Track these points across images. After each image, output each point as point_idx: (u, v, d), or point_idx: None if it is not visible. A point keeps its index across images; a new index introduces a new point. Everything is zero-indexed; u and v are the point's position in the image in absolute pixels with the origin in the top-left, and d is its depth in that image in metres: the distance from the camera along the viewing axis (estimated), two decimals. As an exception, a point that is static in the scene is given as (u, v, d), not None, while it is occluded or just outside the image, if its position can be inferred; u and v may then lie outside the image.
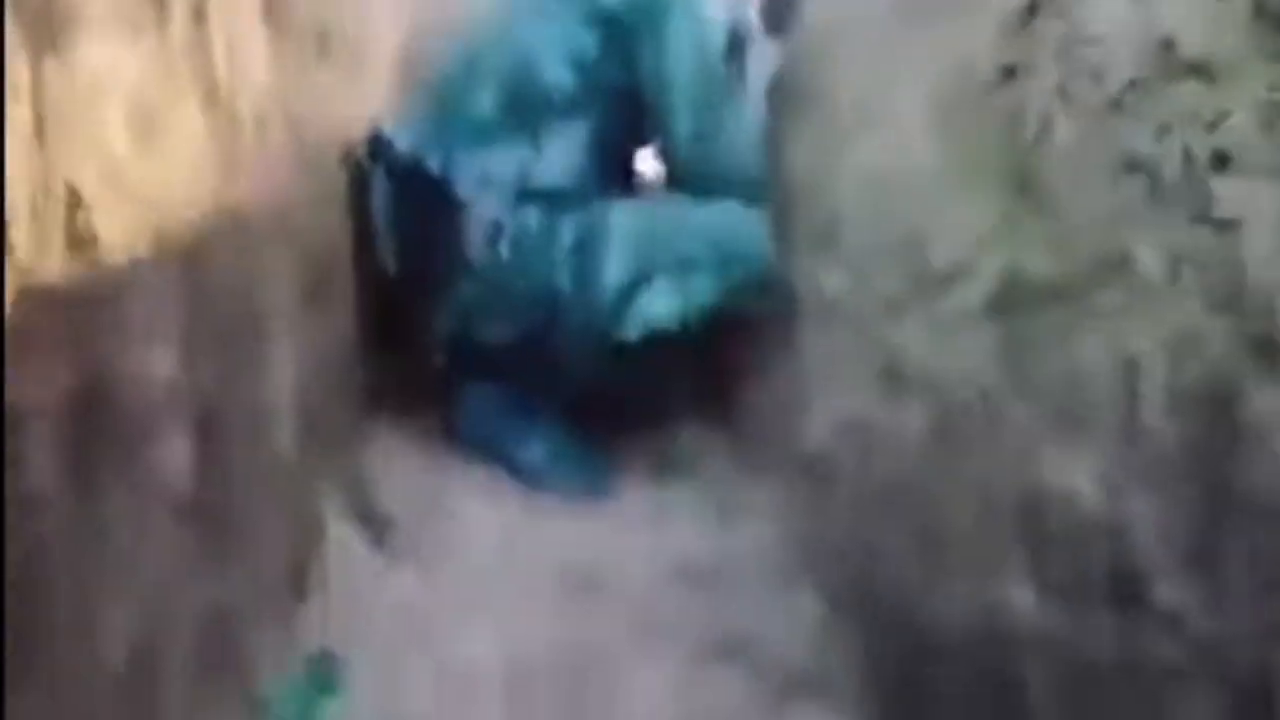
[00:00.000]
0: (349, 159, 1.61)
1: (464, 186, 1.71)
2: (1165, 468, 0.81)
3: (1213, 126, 0.87)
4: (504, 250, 1.72)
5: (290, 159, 1.20)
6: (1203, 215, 0.84)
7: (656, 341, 1.72)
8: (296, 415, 1.28)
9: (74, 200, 0.72)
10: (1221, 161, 0.85)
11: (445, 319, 1.82)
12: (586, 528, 1.64)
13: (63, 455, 0.75)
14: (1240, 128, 0.84)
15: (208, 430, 1.00)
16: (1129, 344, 0.89)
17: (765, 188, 1.81)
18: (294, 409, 1.28)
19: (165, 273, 0.87)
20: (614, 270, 1.71)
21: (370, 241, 1.68)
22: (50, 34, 0.67)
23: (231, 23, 0.99)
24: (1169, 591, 0.80)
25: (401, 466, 1.64)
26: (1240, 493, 0.73)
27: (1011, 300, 1.09)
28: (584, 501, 1.73)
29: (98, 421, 0.80)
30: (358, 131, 1.50)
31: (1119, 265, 0.93)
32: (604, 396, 1.78)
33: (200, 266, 0.95)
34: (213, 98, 0.97)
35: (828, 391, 1.52)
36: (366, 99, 1.55)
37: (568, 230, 1.71)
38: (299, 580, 1.32)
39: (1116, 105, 1.00)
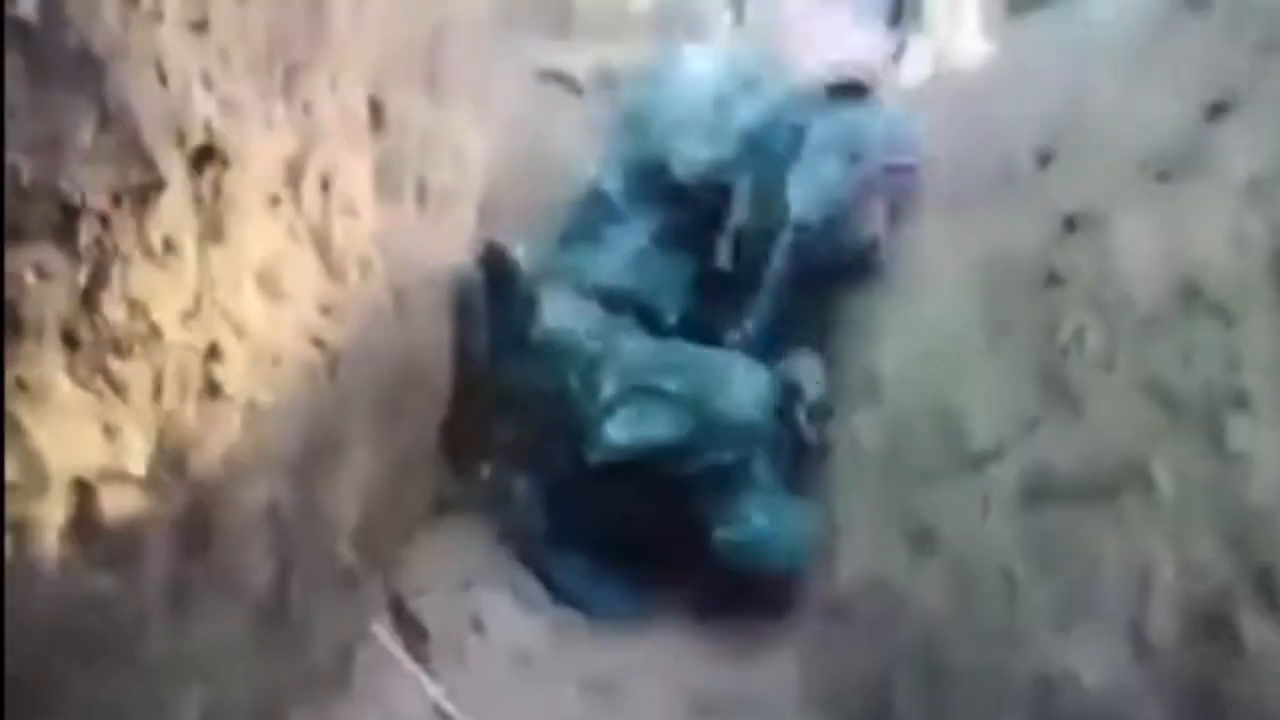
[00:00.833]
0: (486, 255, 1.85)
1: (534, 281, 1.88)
2: (1169, 676, 0.86)
3: (1231, 365, 0.95)
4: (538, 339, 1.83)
5: (383, 296, 1.32)
6: (1216, 447, 0.92)
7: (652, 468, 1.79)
8: (358, 525, 1.38)
9: (212, 355, 0.83)
10: (1239, 400, 0.92)
11: (499, 422, 1.94)
12: (610, 651, 1.69)
13: (165, 570, 0.85)
14: (1255, 370, 0.92)
15: (284, 540, 1.09)
16: (1144, 553, 0.95)
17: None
18: (357, 519, 1.37)
19: (273, 411, 0.98)
20: (607, 388, 1.78)
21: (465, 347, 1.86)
22: (215, 223, 0.79)
23: (348, 187, 1.12)
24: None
25: (442, 580, 1.72)
26: (1236, 713, 0.79)
27: (1039, 491, 1.15)
28: (615, 624, 1.77)
29: (197, 540, 0.90)
30: (444, 266, 1.63)
31: (1138, 479, 1.00)
32: (639, 524, 1.82)
33: (299, 399, 1.06)
34: (326, 252, 1.09)
35: (856, 544, 1.58)
36: (454, 238, 1.69)
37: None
38: (343, 673, 1.40)
39: (1144, 328, 1.09)
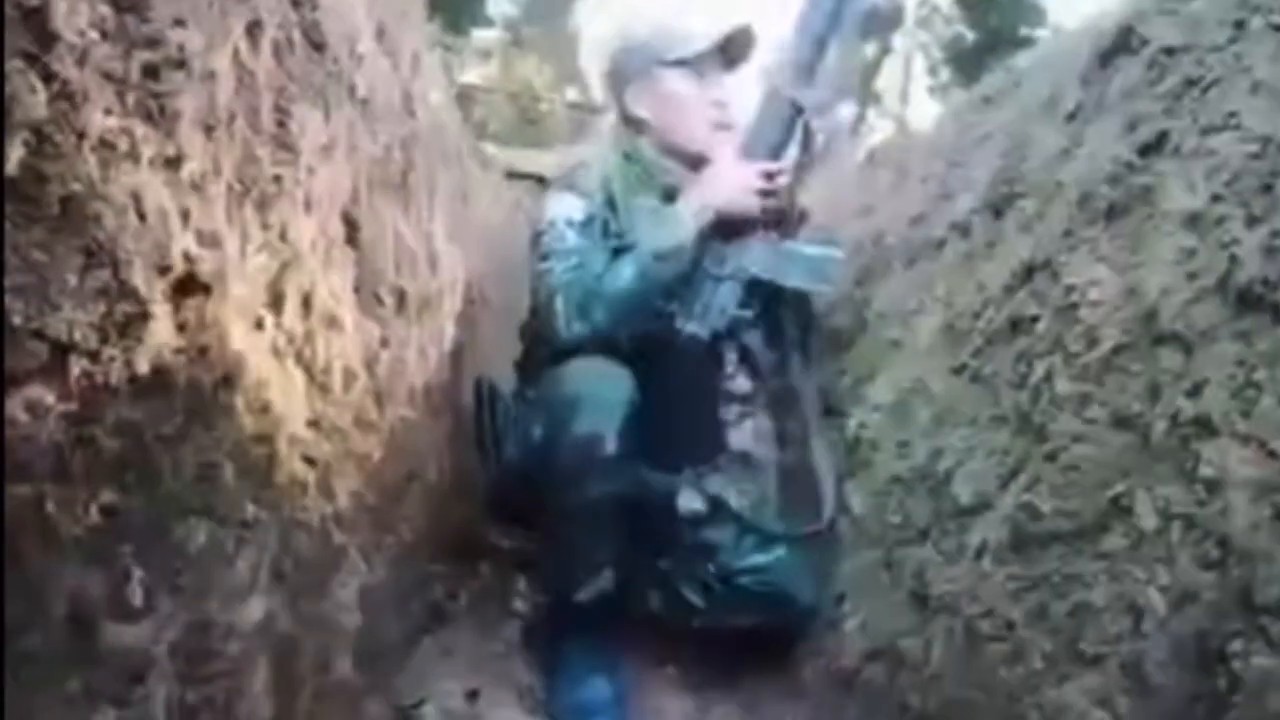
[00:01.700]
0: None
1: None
2: (1169, 713, 0.87)
3: (1194, 393, 0.98)
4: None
5: (369, 406, 1.34)
6: (1189, 475, 0.94)
7: None
8: (356, 635, 1.37)
9: (203, 479, 0.85)
10: (1206, 426, 0.95)
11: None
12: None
13: (171, 694, 0.85)
14: (1217, 395, 0.95)
15: (283, 657, 1.09)
16: (1133, 589, 0.97)
17: None
18: (354, 628, 1.37)
19: (267, 530, 0.99)
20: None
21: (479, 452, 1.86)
22: (201, 350, 0.82)
23: (329, 302, 1.16)
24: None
25: (447, 687, 1.70)
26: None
27: (1027, 538, 1.17)
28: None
29: (198, 663, 0.90)
30: (429, 373, 1.66)
31: (1120, 515, 1.02)
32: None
33: (292, 517, 1.08)
34: (311, 368, 1.12)
35: (858, 610, 1.58)
36: (436, 345, 1.73)
37: None
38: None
39: (1110, 364, 1.12)
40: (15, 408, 0.62)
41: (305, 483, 1.12)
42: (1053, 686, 1.04)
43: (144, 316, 0.71)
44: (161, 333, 0.73)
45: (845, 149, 2.20)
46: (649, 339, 1.78)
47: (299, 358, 1.08)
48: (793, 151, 1.83)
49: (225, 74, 0.81)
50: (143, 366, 0.72)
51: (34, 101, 0.60)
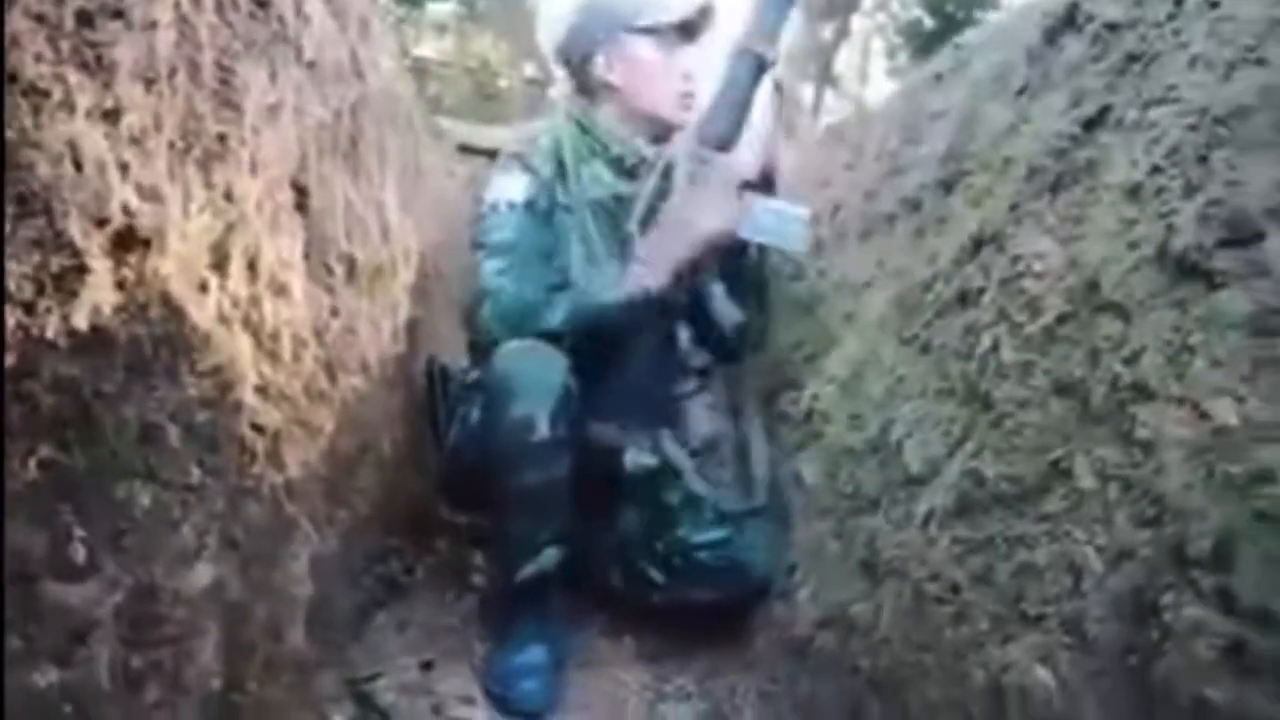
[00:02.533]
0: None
1: None
2: (1105, 666, 0.89)
3: (1132, 359, 1.00)
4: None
5: (320, 375, 1.33)
6: (1126, 438, 0.96)
7: None
8: (308, 605, 1.36)
9: (145, 439, 0.84)
10: (1143, 391, 0.97)
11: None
12: (578, 716, 1.68)
13: (116, 657, 0.84)
14: (1154, 361, 0.97)
15: (233, 625, 1.08)
16: (1072, 549, 0.99)
17: None
18: (308, 600, 1.36)
19: (214, 495, 0.98)
20: None
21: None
22: (141, 307, 0.80)
23: (277, 268, 1.14)
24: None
25: (402, 661, 1.69)
26: (1167, 693, 0.81)
27: (972, 503, 1.19)
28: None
29: (144, 627, 0.89)
30: (378, 344, 1.65)
31: (1060, 478, 1.04)
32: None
33: (240, 485, 1.07)
34: (259, 334, 1.10)
35: (810, 579, 1.60)
36: (389, 316, 1.71)
37: None
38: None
39: (1053, 333, 1.14)
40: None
41: (254, 450, 1.10)
42: (997, 645, 1.06)
43: (81, 269, 0.69)
44: (100, 287, 0.72)
45: (804, 124, 2.21)
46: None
47: (246, 322, 1.07)
48: (760, 112, 1.83)
49: (165, 25, 0.79)
50: (81, 321, 0.70)
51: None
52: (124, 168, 0.75)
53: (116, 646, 0.83)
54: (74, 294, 0.70)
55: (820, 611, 1.56)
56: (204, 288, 0.97)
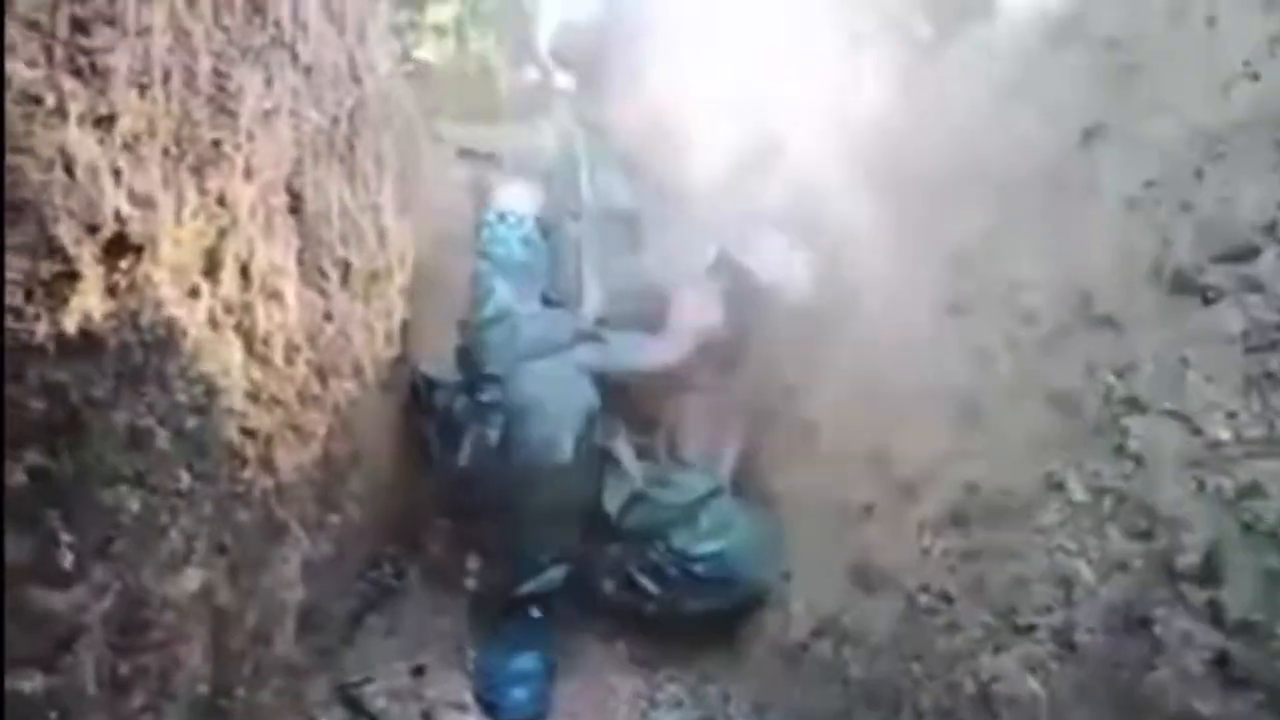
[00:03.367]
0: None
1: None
2: (1094, 678, 0.89)
3: (1125, 372, 1.00)
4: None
5: (312, 380, 1.33)
6: (1119, 451, 0.96)
7: None
8: (299, 610, 1.36)
9: (134, 445, 0.83)
10: (1134, 404, 0.97)
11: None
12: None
13: (102, 662, 0.84)
14: (1146, 374, 0.97)
15: (221, 630, 1.08)
16: (1064, 561, 0.99)
17: None
18: (299, 605, 1.35)
19: (203, 500, 0.98)
20: None
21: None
22: (132, 313, 0.80)
23: (270, 273, 1.14)
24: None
25: (393, 666, 1.69)
26: (1155, 705, 0.81)
27: (966, 513, 1.19)
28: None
29: (131, 633, 0.89)
30: (371, 349, 1.64)
31: (1053, 489, 1.04)
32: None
33: (230, 490, 1.06)
34: (251, 338, 1.10)
35: (805, 587, 1.60)
36: (383, 320, 1.71)
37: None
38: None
39: (1047, 345, 1.14)
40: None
41: (244, 455, 1.10)
42: (988, 655, 1.06)
43: (72, 276, 0.69)
44: (90, 293, 0.72)
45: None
46: None
47: (238, 327, 1.07)
48: None
49: (160, 30, 0.79)
50: (70, 327, 0.70)
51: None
52: (117, 174, 0.75)
53: (103, 652, 0.83)
54: (64, 300, 0.69)
55: (815, 619, 1.56)
56: (196, 293, 0.97)
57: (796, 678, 1.57)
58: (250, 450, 1.13)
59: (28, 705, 0.74)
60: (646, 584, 1.79)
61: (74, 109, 0.69)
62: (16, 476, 0.68)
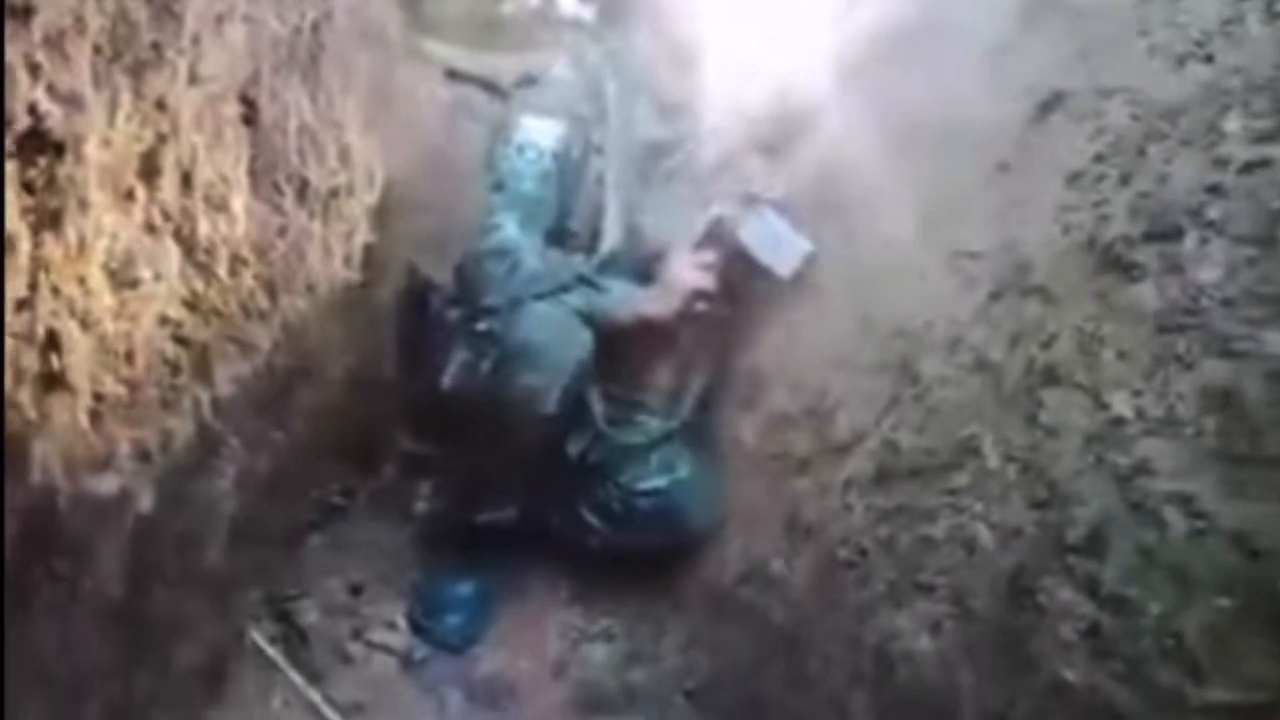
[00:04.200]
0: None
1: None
2: (983, 639, 0.92)
3: (1048, 344, 1.01)
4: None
5: (259, 294, 1.33)
6: (1032, 422, 0.98)
7: None
8: (234, 524, 1.37)
9: (51, 345, 0.84)
10: (1052, 375, 0.99)
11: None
12: (498, 652, 1.72)
13: (12, 561, 0.85)
14: (1067, 346, 0.98)
15: (140, 538, 1.09)
16: (969, 525, 1.01)
17: None
18: (230, 518, 1.37)
19: (127, 404, 0.98)
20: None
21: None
22: (51, 212, 0.80)
23: (216, 183, 1.13)
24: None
25: (329, 584, 1.72)
26: (1035, 669, 0.84)
27: (888, 472, 1.21)
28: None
29: (39, 536, 0.90)
30: (328, 268, 1.63)
31: (970, 455, 1.06)
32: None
33: (160, 396, 1.07)
34: (191, 247, 1.10)
35: (739, 536, 1.63)
36: (344, 241, 1.69)
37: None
38: (214, 683, 1.40)
39: (983, 312, 1.15)
40: None
41: (176, 363, 1.10)
42: (889, 611, 1.08)
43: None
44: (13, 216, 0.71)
45: None
46: None
47: (177, 234, 1.06)
48: None
49: (87, -77, 0.78)
50: (-23, 221, 0.70)
51: None
52: (34, 68, 0.74)
53: (10, 549, 0.84)
54: (-30, 192, 0.69)
55: (745, 566, 1.59)
56: (131, 196, 0.97)
57: (724, 620, 1.61)
58: (184, 359, 1.13)
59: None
60: (591, 519, 1.81)
61: (-13, -2, 0.68)
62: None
